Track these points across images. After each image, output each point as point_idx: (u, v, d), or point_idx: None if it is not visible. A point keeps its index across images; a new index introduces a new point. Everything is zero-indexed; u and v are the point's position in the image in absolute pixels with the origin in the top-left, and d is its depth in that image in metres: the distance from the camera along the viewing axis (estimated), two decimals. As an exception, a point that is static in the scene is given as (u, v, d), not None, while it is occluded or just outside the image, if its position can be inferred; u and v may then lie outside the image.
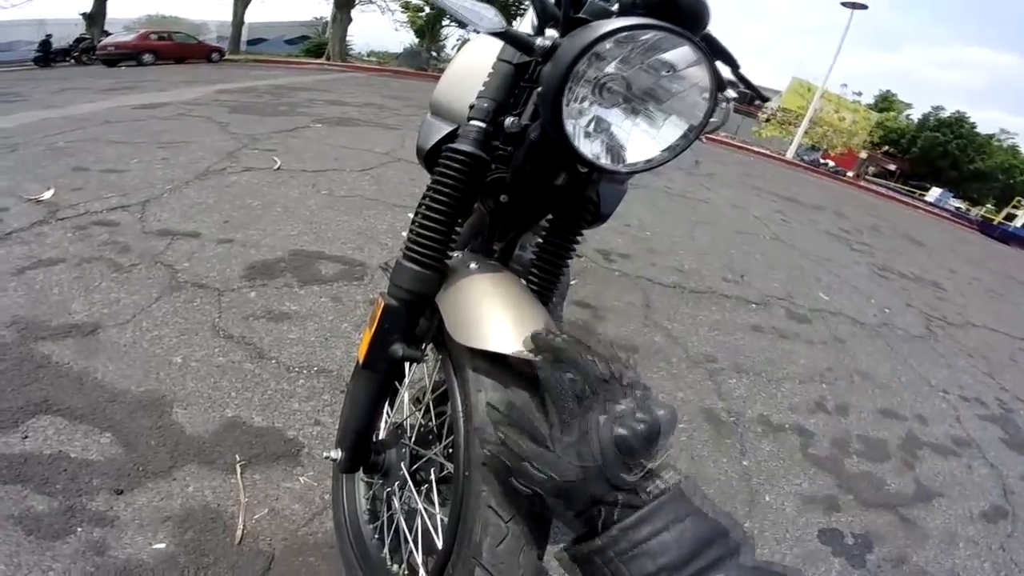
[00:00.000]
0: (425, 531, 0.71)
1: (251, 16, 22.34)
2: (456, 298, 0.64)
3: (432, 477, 0.75)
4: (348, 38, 20.73)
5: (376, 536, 0.86)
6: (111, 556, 0.92)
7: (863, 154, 21.00)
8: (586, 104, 0.55)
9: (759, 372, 2.01)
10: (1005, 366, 2.82)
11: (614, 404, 0.38)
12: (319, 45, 23.57)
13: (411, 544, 0.74)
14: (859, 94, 22.34)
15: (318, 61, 18.94)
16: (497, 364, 0.58)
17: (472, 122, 0.65)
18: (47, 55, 15.34)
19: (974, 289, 4.69)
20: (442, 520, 0.67)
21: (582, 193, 0.72)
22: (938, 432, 1.98)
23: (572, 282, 2.43)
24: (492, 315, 0.60)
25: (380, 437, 0.87)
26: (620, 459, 0.36)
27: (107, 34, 17.21)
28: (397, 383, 0.86)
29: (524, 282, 0.75)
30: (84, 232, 2.02)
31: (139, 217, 2.20)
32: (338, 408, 1.30)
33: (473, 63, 0.81)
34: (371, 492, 0.90)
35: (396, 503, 0.80)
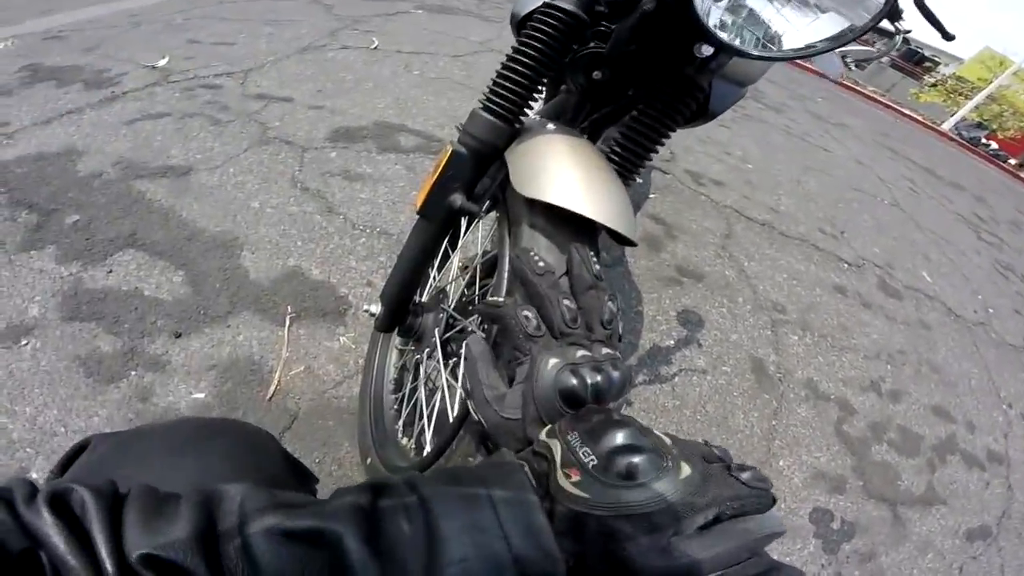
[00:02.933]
0: (441, 410, 0.63)
1: None
2: (526, 152, 0.58)
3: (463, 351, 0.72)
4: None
5: (396, 406, 0.79)
6: (152, 403, 0.90)
7: None
8: None
9: (825, 335, 1.81)
10: (1089, 398, 2.33)
11: (571, 351, 0.31)
12: None
13: (424, 420, 0.68)
14: None
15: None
16: (556, 227, 0.51)
17: None
18: None
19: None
20: (461, 398, 0.59)
21: (693, 79, 0.59)
22: (979, 443, 1.82)
23: (651, 196, 2.17)
24: (560, 170, 0.53)
25: (422, 300, 0.77)
26: (560, 409, 0.29)
27: None
28: (450, 248, 0.77)
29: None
30: (190, 93, 2.01)
31: (241, 83, 2.16)
32: (389, 270, 1.29)
33: None
34: (402, 361, 0.82)
35: (422, 372, 0.72)
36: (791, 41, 0.47)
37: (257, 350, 1.04)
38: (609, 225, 0.50)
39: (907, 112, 12.84)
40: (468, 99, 2.46)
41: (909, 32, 0.59)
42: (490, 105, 0.60)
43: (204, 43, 2.86)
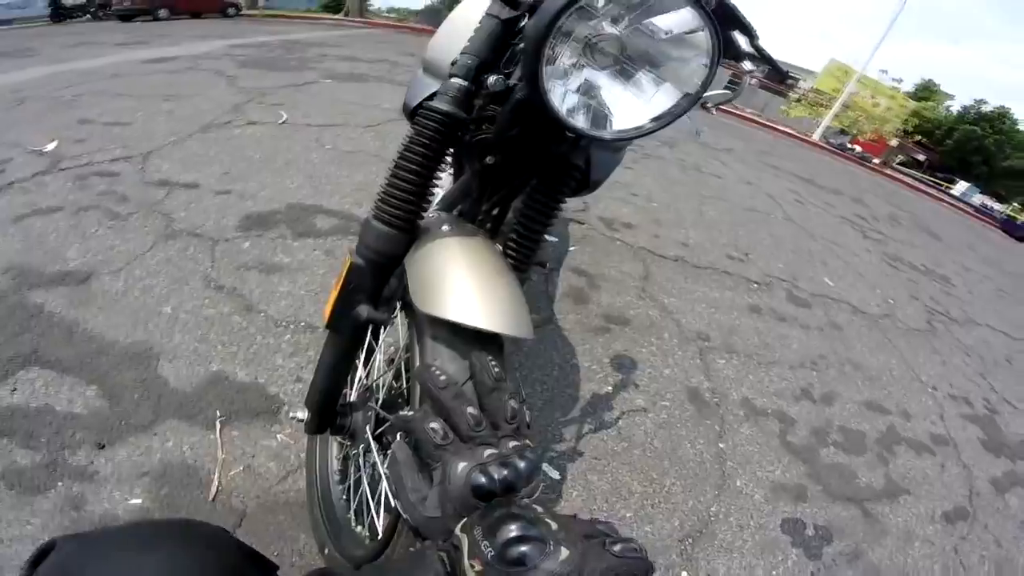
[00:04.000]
0: (388, 494, 0.68)
1: None
2: (423, 261, 0.61)
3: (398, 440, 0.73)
4: (368, -5, 20.13)
5: (344, 497, 0.84)
6: (88, 511, 0.91)
7: (894, 142, 20.11)
8: (573, 64, 0.51)
9: (751, 354, 1.96)
10: (999, 367, 2.75)
11: (479, 451, 0.37)
12: (339, 0, 22.88)
13: (372, 508, 0.72)
14: (899, 80, 21.01)
15: (336, 17, 18.40)
16: (457, 335, 0.55)
17: (453, 79, 0.59)
18: (59, 10, 15.12)
19: (984, 287, 4.53)
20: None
21: (568, 158, 0.67)
22: (919, 429, 1.94)
23: (571, 248, 2.36)
24: (455, 282, 0.57)
25: (351, 399, 0.83)
26: (475, 504, 0.34)
27: None
28: (374, 343, 0.83)
29: (500, 247, 0.69)
30: (84, 182, 1.97)
31: (139, 168, 2.14)
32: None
33: (467, 18, 0.76)
34: (343, 453, 0.87)
35: (363, 464, 0.77)
36: (637, 118, 0.53)
37: (190, 454, 1.05)
38: (503, 332, 0.55)
39: (781, 128, 14.84)
40: (384, 171, 2.52)
41: (752, 71, 0.68)
42: (382, 215, 0.63)
43: (97, 123, 2.76)
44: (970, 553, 1.44)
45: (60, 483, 0.94)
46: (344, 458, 0.88)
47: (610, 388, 1.54)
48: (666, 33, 0.48)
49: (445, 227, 0.64)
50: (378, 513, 0.72)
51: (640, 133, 0.54)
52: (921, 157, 25.98)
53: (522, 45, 0.55)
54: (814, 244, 3.67)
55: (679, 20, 0.47)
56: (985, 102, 27.97)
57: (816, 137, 15.62)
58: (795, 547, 1.27)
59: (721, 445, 1.48)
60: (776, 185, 5.38)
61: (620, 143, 0.67)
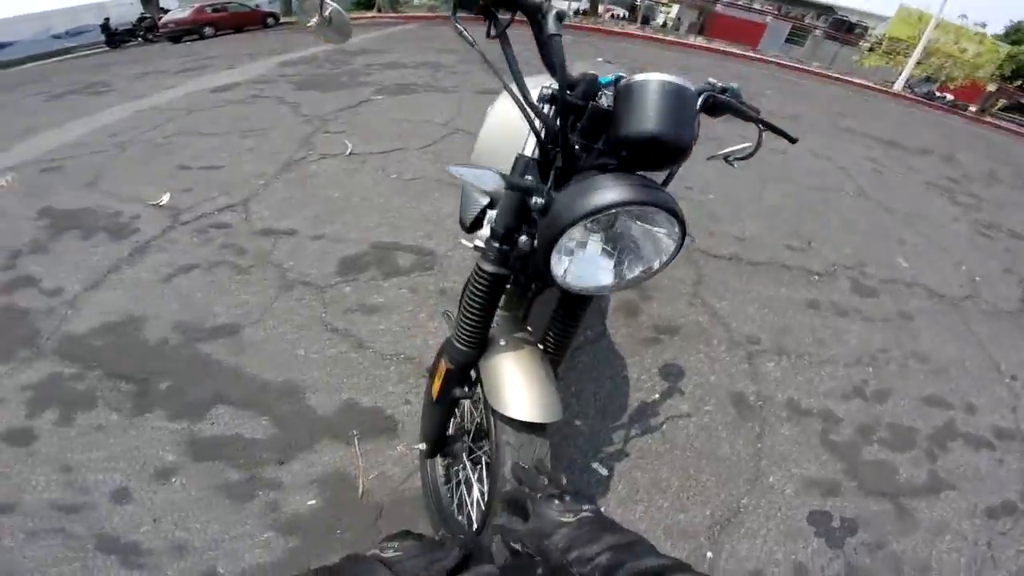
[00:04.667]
0: (479, 494, 1.06)
1: None
2: (488, 370, 0.93)
3: (483, 461, 1.07)
4: (397, -16, 20.58)
5: (448, 495, 1.20)
6: (283, 512, 1.31)
7: (991, 87, 18.03)
8: (573, 245, 0.74)
9: (802, 354, 2.05)
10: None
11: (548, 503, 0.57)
12: None
13: (468, 502, 1.09)
14: (983, 25, 18.99)
15: (370, 15, 18.94)
16: (513, 422, 0.87)
17: (491, 242, 0.85)
18: (113, 36, 16.49)
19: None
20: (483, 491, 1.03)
21: None
22: (982, 423, 1.92)
23: None
24: (509, 386, 0.88)
25: (450, 433, 1.19)
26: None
27: (164, 11, 18.06)
28: (468, 389, 1.16)
29: (541, 348, 0.99)
30: (205, 236, 2.44)
31: (244, 217, 2.60)
32: (420, 389, 1.63)
33: (503, 124, 1.07)
34: (445, 464, 1.24)
35: (461, 478, 1.15)
36: (613, 281, 0.77)
37: (340, 465, 1.45)
38: (536, 420, 0.86)
39: (857, 81, 13.76)
40: (446, 197, 2.90)
41: (764, 130, 0.90)
42: (461, 339, 0.94)
43: (194, 168, 3.30)
44: (1006, 547, 1.50)
45: (259, 492, 1.36)
46: (447, 467, 1.24)
47: (657, 396, 1.78)
48: (648, 225, 0.74)
49: (502, 342, 0.94)
50: (472, 508, 1.09)
51: (614, 290, 0.79)
52: None
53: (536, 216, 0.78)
54: (890, 219, 3.54)
55: (657, 219, 0.72)
56: (1091, 42, 24.56)
57: (898, 87, 14.36)
58: (818, 536, 1.43)
59: (759, 445, 1.65)
60: (850, 154, 5.11)
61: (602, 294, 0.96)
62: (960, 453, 1.80)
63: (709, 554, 1.35)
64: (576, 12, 25.06)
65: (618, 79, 0.78)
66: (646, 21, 25.26)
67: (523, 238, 0.80)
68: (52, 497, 1.36)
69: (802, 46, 24.02)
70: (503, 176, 0.82)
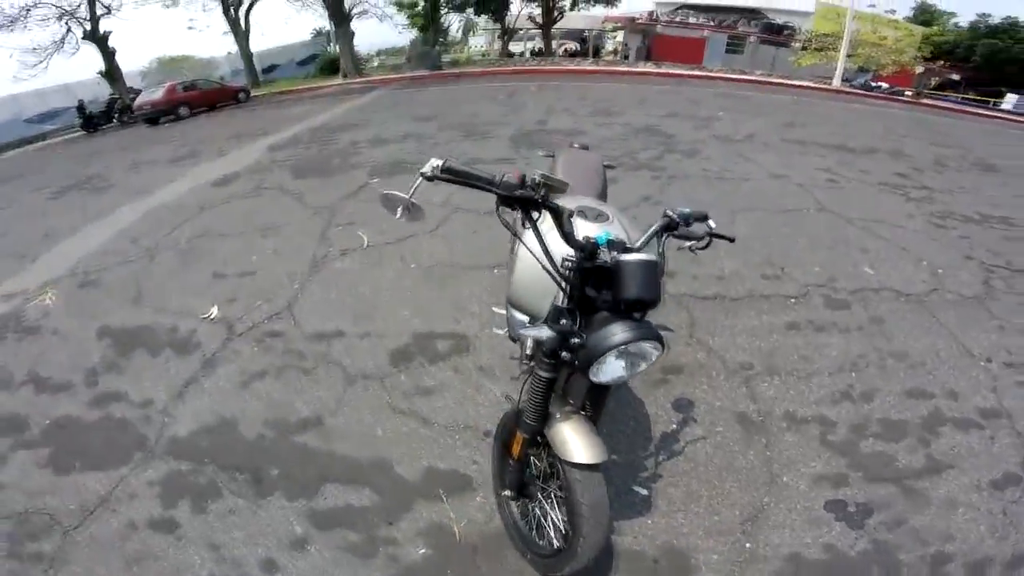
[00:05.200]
0: (556, 520, 1.51)
1: (255, 46, 23.92)
2: (555, 434, 1.33)
3: (553, 496, 1.52)
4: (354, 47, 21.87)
5: (526, 526, 1.66)
6: (402, 562, 1.73)
7: (919, 69, 19.80)
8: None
9: (791, 371, 2.41)
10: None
11: None
12: (331, 61, 24.96)
13: (548, 527, 1.54)
14: (892, 12, 21.20)
15: (337, 82, 20.02)
16: (579, 465, 1.30)
17: (543, 359, 1.28)
18: (89, 120, 16.91)
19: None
20: (562, 518, 1.47)
21: None
22: (967, 406, 2.19)
23: None
24: (574, 443, 1.31)
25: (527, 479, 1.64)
26: None
27: (132, 91, 18.91)
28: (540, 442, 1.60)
29: (584, 414, 1.41)
30: (264, 345, 2.90)
31: (293, 323, 3.08)
32: (484, 450, 2.07)
33: (532, 275, 1.41)
34: (520, 504, 1.69)
35: (537, 510, 1.60)
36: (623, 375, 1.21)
37: (436, 518, 1.88)
38: (596, 462, 1.27)
39: (798, 83, 14.93)
40: (464, 282, 3.38)
41: (712, 230, 1.38)
42: (531, 416, 1.35)
43: (229, 276, 3.77)
44: (1022, 514, 1.73)
45: (380, 548, 1.79)
46: (522, 505, 1.69)
47: (674, 425, 2.21)
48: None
49: (558, 415, 1.36)
50: (551, 530, 1.54)
51: (629, 379, 1.31)
52: (956, 76, 24.93)
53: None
54: (851, 229, 3.95)
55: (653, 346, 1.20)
56: (989, 15, 28.64)
57: (836, 82, 15.69)
58: (838, 521, 1.74)
59: (768, 453, 2.02)
60: (806, 168, 5.72)
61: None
62: (951, 436, 2.07)
63: (748, 544, 1.71)
64: (532, 52, 26.64)
65: (609, 242, 1.26)
66: (596, 52, 26.86)
67: (565, 354, 1.22)
68: (211, 572, 1.75)
69: (742, 54, 25.93)
70: (550, 326, 1.28)
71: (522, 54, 27.10)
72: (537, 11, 24.77)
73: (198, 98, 16.15)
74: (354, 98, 14.10)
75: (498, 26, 27.19)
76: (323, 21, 26.27)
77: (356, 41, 22.34)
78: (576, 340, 1.18)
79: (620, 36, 27.87)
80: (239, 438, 2.28)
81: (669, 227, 1.39)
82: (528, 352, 1.33)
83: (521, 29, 27.47)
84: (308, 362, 2.72)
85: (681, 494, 1.89)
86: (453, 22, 28.11)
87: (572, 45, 28.85)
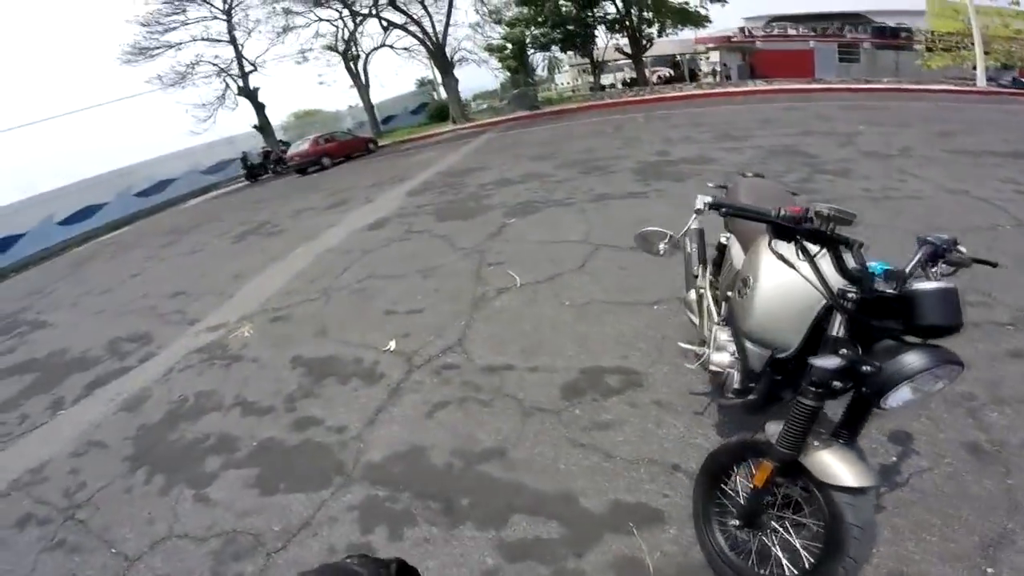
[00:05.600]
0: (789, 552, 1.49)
1: (373, 98, 26.60)
2: (818, 460, 1.31)
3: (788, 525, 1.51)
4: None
5: (740, 556, 1.64)
6: None
7: None
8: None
9: (1021, 400, 2.22)
10: None
11: None
12: (439, 108, 27.28)
13: (779, 559, 1.52)
14: (1017, 3, 18.07)
15: (448, 128, 21.86)
16: (851, 489, 1.27)
17: (809, 388, 1.25)
18: (252, 170, 19.78)
19: None
20: (800, 546, 1.46)
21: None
22: None
23: None
24: (844, 468, 1.28)
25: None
26: None
27: (282, 143, 21.64)
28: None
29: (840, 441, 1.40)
30: (441, 376, 3.18)
31: (466, 357, 3.35)
32: (673, 484, 2.08)
33: (782, 300, 1.48)
34: (727, 531, 1.67)
35: (764, 540, 1.58)
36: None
37: (627, 551, 1.91)
38: (867, 485, 1.25)
39: (935, 88, 13.22)
40: (622, 318, 3.45)
41: (966, 254, 1.32)
42: (781, 450, 1.33)
43: (399, 313, 4.20)
44: None
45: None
46: (731, 535, 1.67)
47: (894, 458, 2.06)
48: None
49: (816, 443, 1.34)
50: (784, 563, 1.52)
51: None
52: None
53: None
54: None
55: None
56: None
57: (981, 83, 13.67)
58: None
59: (1010, 481, 1.87)
60: (985, 180, 5.02)
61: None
62: None
63: (990, 569, 1.60)
64: (624, 83, 26.71)
65: (886, 271, 1.24)
66: (693, 76, 26.17)
67: (838, 383, 1.23)
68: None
69: (858, 62, 23.70)
70: (844, 356, 1.23)
71: (612, 86, 27.33)
72: (624, 41, 25.06)
73: (336, 149, 18.27)
74: (468, 142, 15.20)
75: (585, 61, 27.75)
76: (426, 70, 28.97)
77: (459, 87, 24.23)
78: (867, 368, 1.19)
79: (713, 57, 26.94)
80: (429, 466, 2.49)
81: (936, 255, 1.33)
82: (815, 378, 1.28)
83: (610, 61, 27.82)
84: (484, 394, 2.94)
85: (910, 523, 1.77)
86: (539, 62, 29.28)
87: (665, 71, 28.59)
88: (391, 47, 25.43)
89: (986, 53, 15.06)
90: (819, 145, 7.12)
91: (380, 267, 5.40)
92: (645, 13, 24.19)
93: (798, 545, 1.49)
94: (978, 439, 2.08)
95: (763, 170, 6.14)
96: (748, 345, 1.67)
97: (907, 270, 1.29)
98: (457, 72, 23.78)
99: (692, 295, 2.52)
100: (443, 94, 26.50)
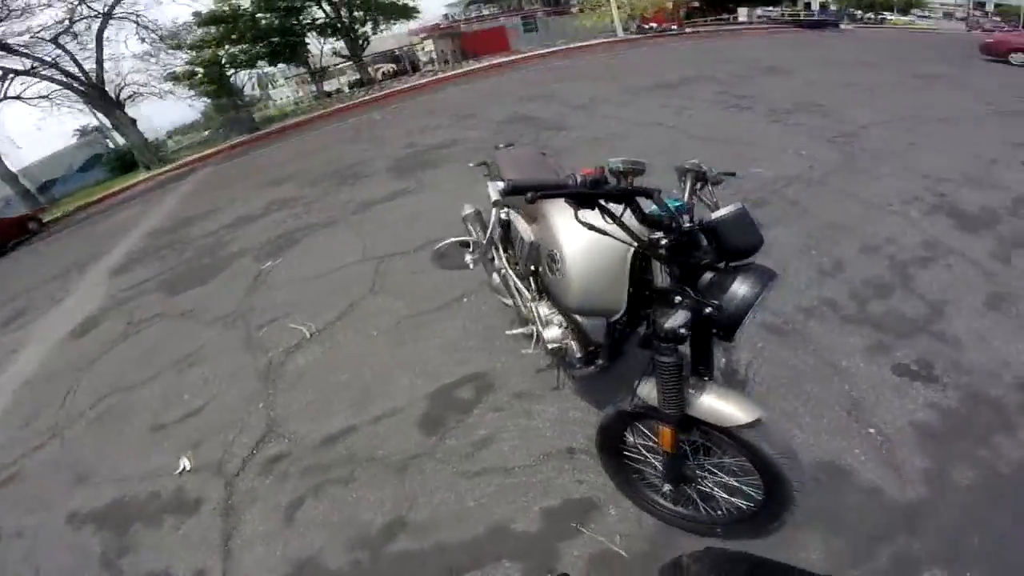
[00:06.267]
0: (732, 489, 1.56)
1: (14, 164, 20.37)
2: (705, 408, 1.32)
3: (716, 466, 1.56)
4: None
5: (692, 508, 1.70)
6: None
7: (668, 5, 24.18)
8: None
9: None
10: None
11: None
12: (120, 157, 22.10)
13: (723, 499, 1.60)
14: None
15: (142, 176, 17.79)
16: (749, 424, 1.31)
17: (665, 346, 1.26)
18: None
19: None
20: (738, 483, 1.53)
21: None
22: None
23: None
24: (723, 408, 1.31)
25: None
26: None
27: None
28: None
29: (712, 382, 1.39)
30: (274, 474, 2.51)
31: (290, 441, 2.70)
32: (579, 467, 2.05)
33: (597, 265, 1.43)
34: (663, 493, 1.68)
35: (700, 489, 1.62)
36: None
37: (592, 550, 1.76)
38: (758, 416, 1.28)
39: (593, 42, 18.00)
40: (439, 326, 3.24)
41: (714, 170, 1.46)
42: (670, 413, 1.33)
43: (172, 423, 3.12)
44: None
45: None
46: (679, 492, 1.70)
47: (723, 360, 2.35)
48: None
49: (692, 391, 1.35)
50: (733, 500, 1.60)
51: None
52: (697, 3, 30.45)
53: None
54: (697, 143, 4.74)
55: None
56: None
57: (620, 34, 18.84)
58: None
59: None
60: (651, 108, 6.23)
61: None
62: None
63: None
64: (350, 85, 25.95)
65: (677, 208, 1.23)
66: (415, 67, 27.01)
67: (684, 331, 1.22)
68: None
69: (537, 30, 28.38)
70: (686, 307, 1.23)
71: (339, 91, 26.30)
72: (340, 44, 24.21)
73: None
74: (177, 186, 12.57)
75: (303, 70, 26.02)
76: (87, 117, 22.95)
77: (141, 126, 20.04)
78: (710, 310, 1.20)
79: (428, 46, 28.36)
80: (332, 572, 1.99)
81: (698, 178, 1.42)
82: (667, 337, 1.24)
83: (330, 66, 26.63)
84: (338, 470, 2.42)
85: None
86: (246, 80, 26.34)
87: (389, 67, 28.70)
88: (18, 98, 19.35)
89: (620, 8, 19.91)
90: (536, 108, 8.04)
91: (114, 379, 3.97)
92: (356, 12, 23.57)
93: (737, 483, 1.53)
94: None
95: (501, 138, 6.66)
96: (581, 320, 1.62)
97: (685, 199, 1.37)
98: (133, 111, 19.41)
99: (496, 279, 2.46)
100: (121, 140, 21.31)
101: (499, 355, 2.76)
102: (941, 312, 2.77)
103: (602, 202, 1.11)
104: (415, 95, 15.68)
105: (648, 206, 1.21)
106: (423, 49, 29.24)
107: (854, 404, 2.23)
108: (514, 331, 2.27)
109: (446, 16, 30.42)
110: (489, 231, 1.20)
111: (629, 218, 1.18)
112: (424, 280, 3.75)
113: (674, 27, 20.85)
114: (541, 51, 16.64)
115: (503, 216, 2.19)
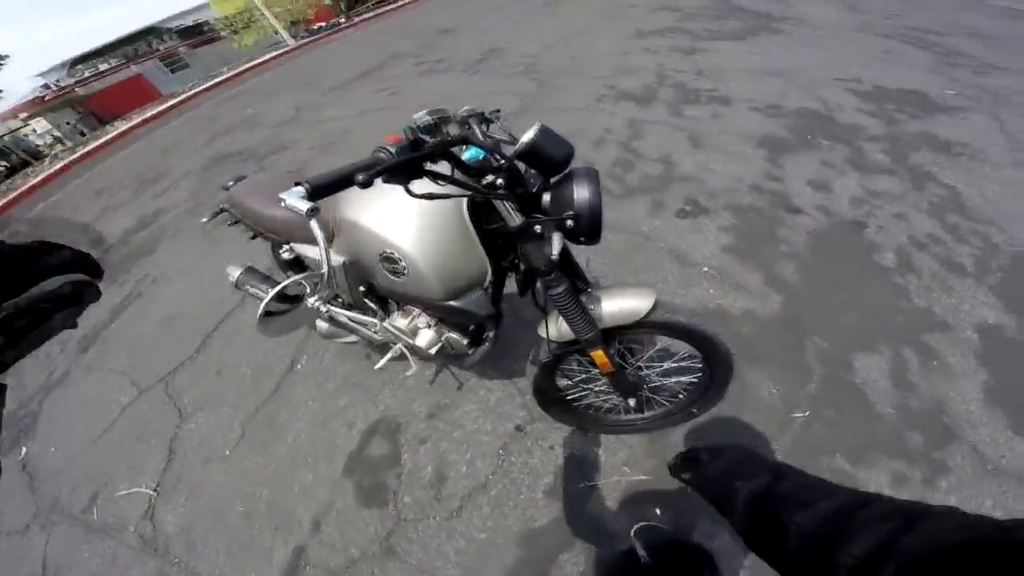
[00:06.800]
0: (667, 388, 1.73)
1: None
2: (608, 318, 1.37)
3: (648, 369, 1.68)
4: None
5: (657, 407, 1.83)
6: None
7: (327, 1, 23.34)
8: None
9: None
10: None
11: None
12: None
13: (663, 395, 1.75)
14: None
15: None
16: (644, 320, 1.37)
17: (555, 276, 1.27)
18: None
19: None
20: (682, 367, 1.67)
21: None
22: None
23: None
24: (630, 307, 1.35)
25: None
26: None
27: None
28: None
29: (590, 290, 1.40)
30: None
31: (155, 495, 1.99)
32: (540, 446, 2.02)
33: (431, 221, 1.29)
34: (627, 409, 1.81)
35: (654, 384, 1.73)
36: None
37: (618, 491, 1.80)
38: (653, 301, 1.34)
39: (263, 60, 15.92)
40: (302, 414, 2.71)
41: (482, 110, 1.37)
42: (590, 338, 1.36)
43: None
44: None
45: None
46: (629, 408, 1.81)
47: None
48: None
49: (592, 308, 1.36)
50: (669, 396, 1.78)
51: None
52: None
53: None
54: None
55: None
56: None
57: (292, 42, 17.36)
58: None
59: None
60: (370, 101, 6.23)
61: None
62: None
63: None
64: None
65: (486, 148, 1.16)
66: (36, 156, 20.39)
67: (562, 254, 1.24)
68: None
69: (189, 66, 24.61)
70: (558, 235, 1.16)
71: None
72: None
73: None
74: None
75: None
76: None
77: None
78: (571, 223, 1.15)
79: (42, 124, 21.61)
80: None
81: (482, 120, 1.32)
82: (549, 270, 1.24)
83: None
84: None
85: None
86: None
87: None
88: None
89: (277, 16, 18.24)
90: (235, 139, 7.03)
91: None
92: None
93: (676, 363, 1.61)
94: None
95: (209, 176, 5.84)
96: (458, 304, 1.46)
97: (485, 142, 1.24)
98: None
99: (322, 325, 2.13)
100: None
101: (382, 394, 2.45)
102: (671, 162, 3.55)
103: (428, 165, 0.97)
104: (60, 185, 11.95)
105: (462, 154, 1.17)
106: (34, 131, 22.34)
107: (677, 256, 2.73)
108: (382, 362, 1.94)
109: (46, 86, 23.93)
110: (322, 255, 0.95)
111: (461, 175, 1.09)
112: (256, 354, 3.05)
113: (343, 20, 20.33)
114: (206, 84, 14.39)
115: (285, 256, 1.78)
